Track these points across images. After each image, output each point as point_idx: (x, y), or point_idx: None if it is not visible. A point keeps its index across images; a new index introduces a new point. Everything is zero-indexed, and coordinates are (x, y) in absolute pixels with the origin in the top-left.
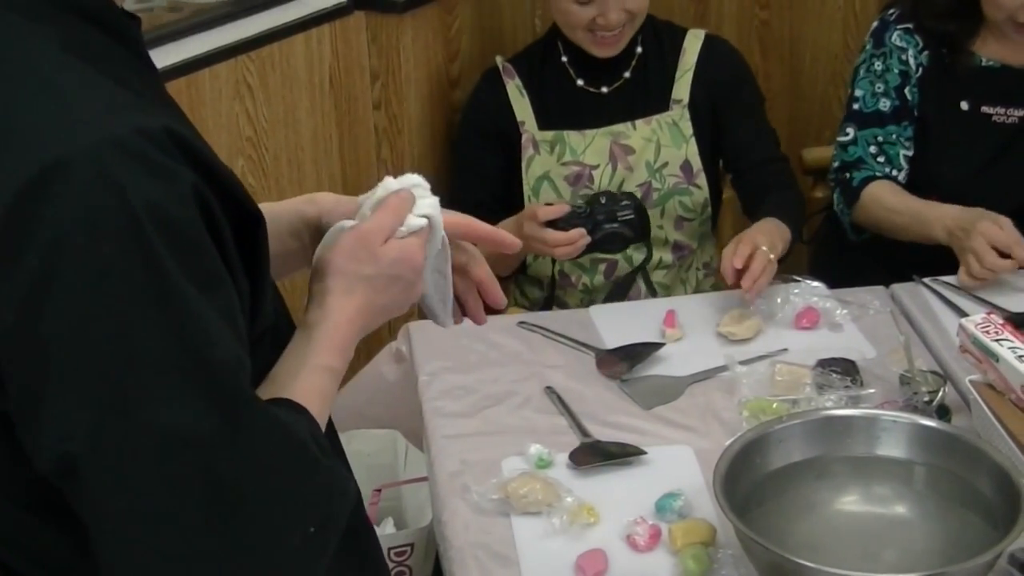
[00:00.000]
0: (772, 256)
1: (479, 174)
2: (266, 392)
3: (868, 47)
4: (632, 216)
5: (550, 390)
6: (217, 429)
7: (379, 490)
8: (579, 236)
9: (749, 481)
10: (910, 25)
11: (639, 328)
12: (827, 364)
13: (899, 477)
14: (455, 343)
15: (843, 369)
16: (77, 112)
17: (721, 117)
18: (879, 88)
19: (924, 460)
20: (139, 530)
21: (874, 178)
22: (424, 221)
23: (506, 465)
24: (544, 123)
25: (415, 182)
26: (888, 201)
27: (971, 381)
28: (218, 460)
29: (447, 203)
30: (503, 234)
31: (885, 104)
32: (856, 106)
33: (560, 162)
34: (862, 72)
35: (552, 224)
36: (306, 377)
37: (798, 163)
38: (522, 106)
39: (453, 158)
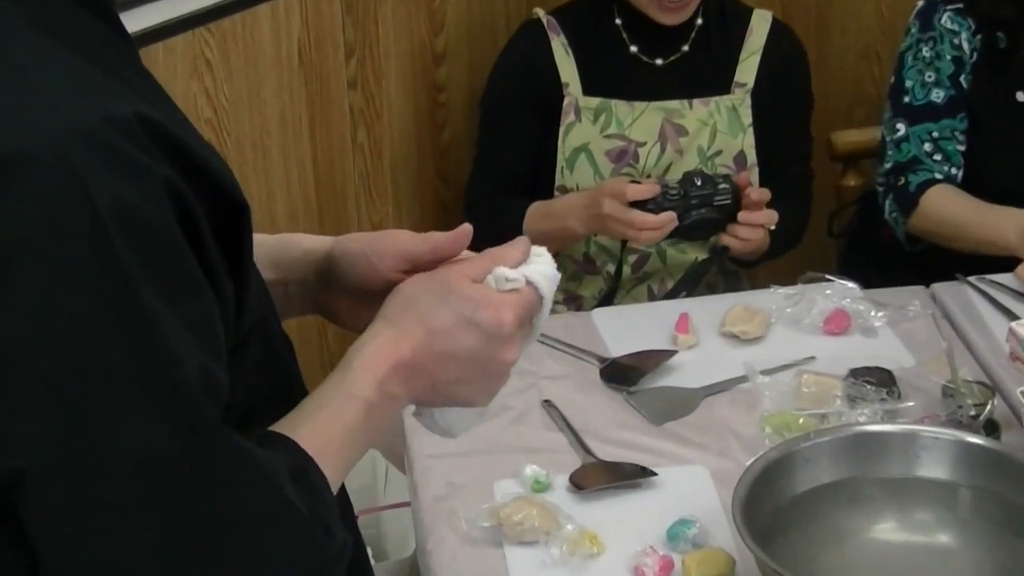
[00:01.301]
0: (771, 225)
1: (510, 139)
2: (289, 421)
3: (913, 31)
4: (729, 202)
5: (548, 404)
6: (178, 454)
7: (356, 516)
8: (669, 220)
9: (772, 506)
10: (960, 5)
11: (648, 334)
12: (860, 374)
13: (942, 501)
14: None
15: (878, 379)
16: (40, 96)
17: (769, 110)
18: (929, 77)
19: (970, 482)
20: (89, 556)
21: (934, 181)
22: (519, 280)
23: (499, 488)
24: (589, 88)
25: (538, 250)
26: (952, 208)
27: (1023, 392)
28: (178, 487)
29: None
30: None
31: (938, 95)
32: (905, 99)
33: (603, 134)
34: (909, 60)
35: (638, 205)
36: (334, 408)
37: (826, 147)
38: (567, 66)
39: (479, 119)
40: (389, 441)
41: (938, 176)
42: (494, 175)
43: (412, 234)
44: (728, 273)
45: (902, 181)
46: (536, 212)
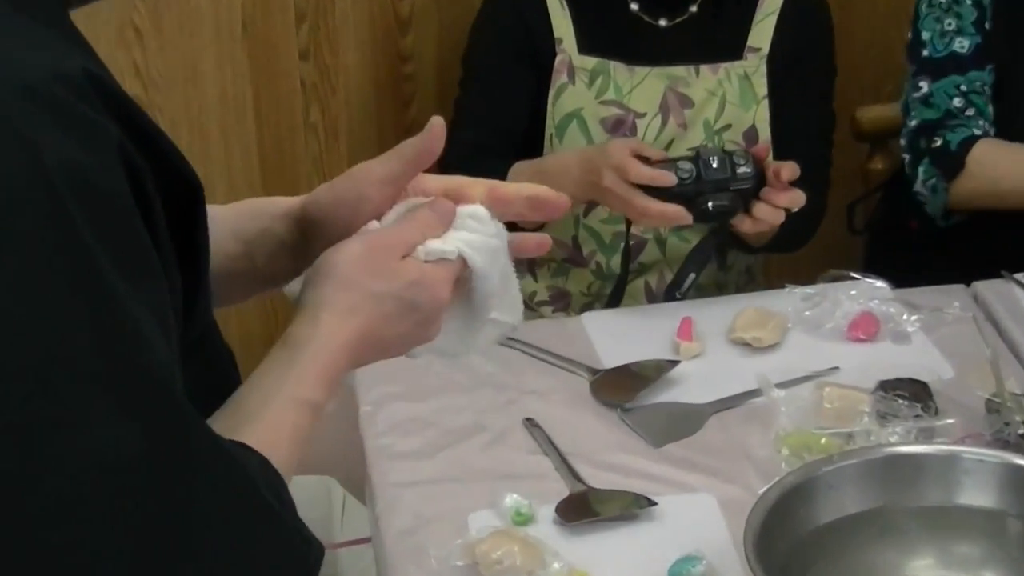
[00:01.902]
0: (796, 207)
1: (496, 96)
2: (226, 423)
3: None
4: (749, 186)
5: (531, 423)
6: (149, 454)
7: None
8: (677, 215)
9: (791, 539)
10: None
11: (646, 341)
12: (891, 387)
13: (987, 533)
14: (408, 361)
15: (912, 393)
16: None
17: (785, 80)
18: (949, 25)
19: (1019, 511)
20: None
21: (975, 137)
22: (452, 252)
23: (474, 521)
24: (585, 46)
25: (473, 212)
26: (1007, 159)
27: None
28: (149, 492)
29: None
30: (547, 193)
31: (961, 44)
32: (924, 52)
33: (599, 99)
34: (923, 8)
35: (644, 185)
36: (279, 410)
37: (850, 125)
38: (561, 20)
39: (460, 77)
40: (347, 467)
41: (976, 133)
42: (476, 135)
43: (379, 161)
44: (728, 268)
45: (938, 142)
46: (522, 172)
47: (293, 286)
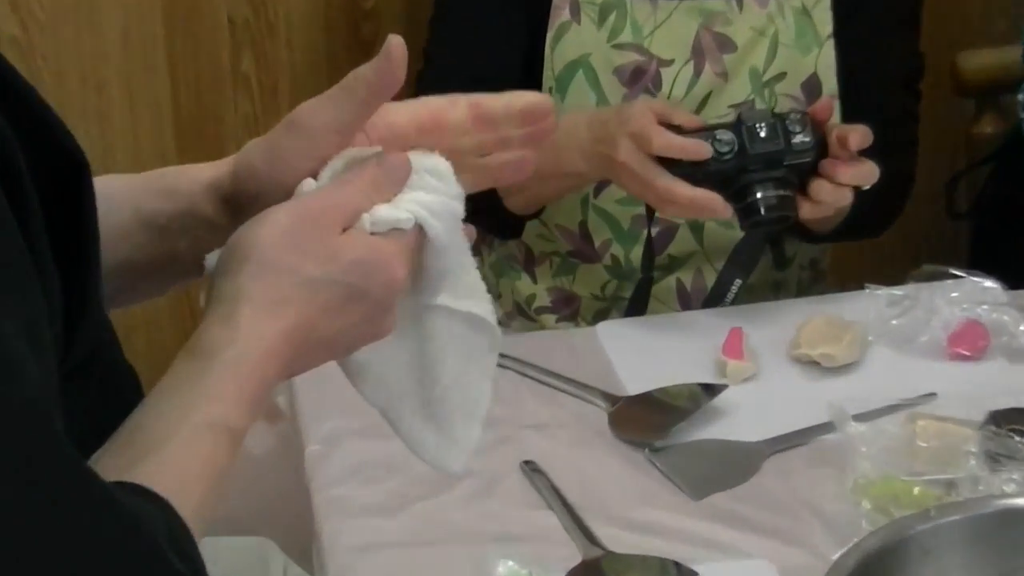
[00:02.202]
0: (867, 184)
1: (476, 40)
2: (119, 459)
3: None
4: (809, 160)
5: (532, 467)
6: (15, 510)
7: None
8: (710, 202)
9: None
10: None
11: (681, 359)
12: (1005, 419)
13: None
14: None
15: None
16: None
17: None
18: None
19: None
20: None
21: None
22: (408, 219)
23: None
24: None
25: (434, 167)
26: None
27: None
28: (16, 559)
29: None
30: (544, 101)
31: None
32: None
33: (611, 43)
34: None
35: (670, 162)
36: (189, 439)
37: (949, 75)
38: None
39: (430, 16)
40: (288, 526)
41: None
42: (452, 89)
43: (327, 103)
44: (788, 262)
45: None
46: None
47: (212, 259)
